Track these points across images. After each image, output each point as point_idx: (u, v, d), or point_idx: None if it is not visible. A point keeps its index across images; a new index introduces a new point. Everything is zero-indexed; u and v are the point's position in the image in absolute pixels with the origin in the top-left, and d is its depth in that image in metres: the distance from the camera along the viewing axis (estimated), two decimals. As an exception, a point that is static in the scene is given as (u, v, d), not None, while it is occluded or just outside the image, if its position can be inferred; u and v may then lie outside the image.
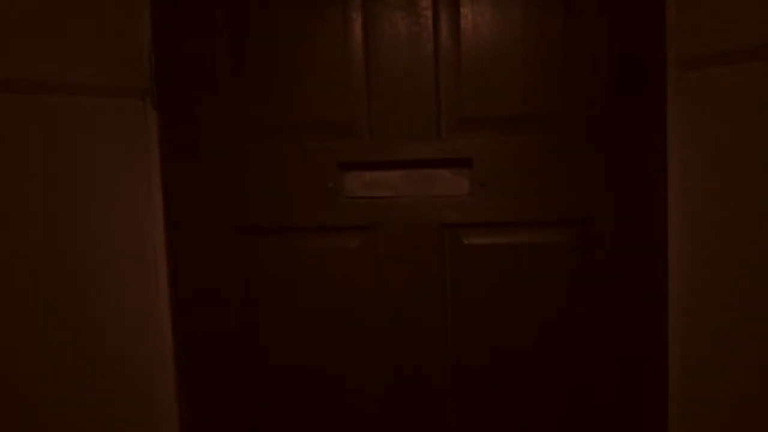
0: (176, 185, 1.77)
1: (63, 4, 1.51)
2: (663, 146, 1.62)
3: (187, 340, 1.81)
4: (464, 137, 1.69)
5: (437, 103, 1.68)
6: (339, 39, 1.70)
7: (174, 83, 1.74)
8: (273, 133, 1.74)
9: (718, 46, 1.47)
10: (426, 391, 1.76)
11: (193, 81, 1.74)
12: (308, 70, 1.71)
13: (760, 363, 1.42)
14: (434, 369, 1.75)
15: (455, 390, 1.76)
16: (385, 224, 1.73)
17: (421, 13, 1.67)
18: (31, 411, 1.47)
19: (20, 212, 1.45)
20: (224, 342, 1.80)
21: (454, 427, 1.77)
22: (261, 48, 1.72)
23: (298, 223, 1.75)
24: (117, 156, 1.66)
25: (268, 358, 1.80)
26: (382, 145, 1.70)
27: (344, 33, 1.70)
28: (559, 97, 1.65)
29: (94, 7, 1.59)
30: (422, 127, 1.69)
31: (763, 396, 1.42)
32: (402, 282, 1.74)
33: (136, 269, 1.72)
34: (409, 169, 1.72)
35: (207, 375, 1.81)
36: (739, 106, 1.43)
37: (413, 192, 1.73)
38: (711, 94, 1.50)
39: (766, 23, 1.36)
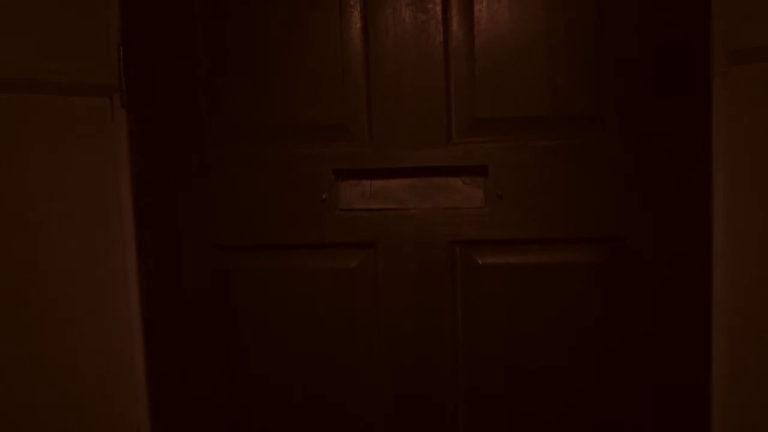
0: (148, 197, 1.56)
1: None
2: (707, 152, 1.42)
3: (162, 375, 1.60)
4: (478, 141, 1.48)
5: (447, 102, 1.48)
6: (335, 29, 1.49)
7: (146, 79, 1.53)
8: (259, 136, 1.54)
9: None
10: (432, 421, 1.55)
11: (168, 77, 1.53)
12: (300, 64, 1.51)
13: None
14: (444, 398, 1.55)
15: (467, 421, 1.56)
16: (386, 241, 1.52)
17: (429, -1, 1.46)
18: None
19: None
20: (205, 374, 1.59)
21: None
22: (246, 39, 1.51)
23: (288, 240, 1.54)
24: (79, 165, 1.44)
25: (255, 389, 1.59)
26: (383, 151, 1.50)
27: (341, 22, 1.49)
28: (589, 96, 1.45)
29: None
30: (430, 130, 1.48)
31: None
32: (406, 307, 1.54)
33: (101, 293, 1.51)
34: (414, 177, 1.52)
35: (186, 410, 1.60)
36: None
37: (419, 204, 1.52)
38: (766, 91, 1.31)
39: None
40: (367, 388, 1.56)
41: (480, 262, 1.51)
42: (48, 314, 1.37)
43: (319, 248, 1.54)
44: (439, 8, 1.46)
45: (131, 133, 1.54)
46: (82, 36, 1.45)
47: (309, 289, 1.55)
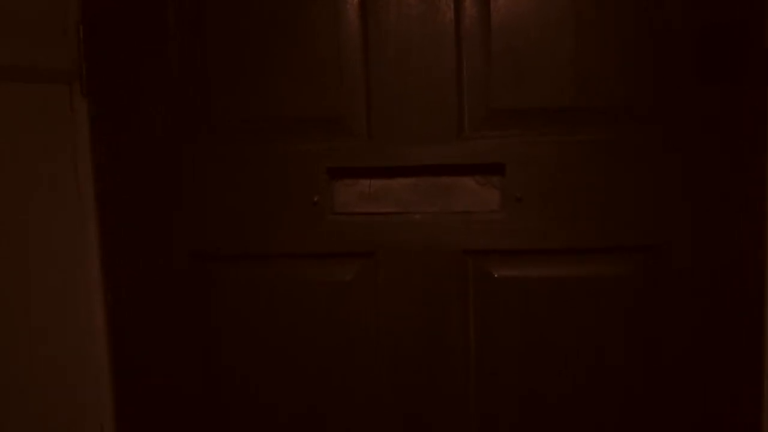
0: (114, 199, 1.37)
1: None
2: (763, 149, 1.22)
3: (131, 401, 1.40)
4: (494, 135, 1.28)
5: (459, 90, 1.28)
6: (329, 7, 1.29)
7: (111, 64, 1.33)
8: (240, 131, 1.34)
9: None
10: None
11: (136, 61, 1.33)
12: (288, 47, 1.31)
13: None
14: (453, 427, 1.36)
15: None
16: (387, 250, 1.33)
17: (438, -29, 1.27)
18: None
19: None
20: (182, 398, 1.40)
21: None
22: (227, 17, 1.32)
23: (274, 248, 1.35)
24: (32, 162, 1.24)
25: (237, 414, 1.40)
26: (384, 146, 1.30)
27: (336, -2, 1.30)
28: (624, 84, 1.25)
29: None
30: (438, 122, 1.29)
31: None
32: (411, 326, 1.34)
33: (61, 305, 1.31)
34: (420, 177, 1.32)
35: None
36: None
37: (426, 208, 1.33)
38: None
39: None
40: (366, 416, 1.37)
41: (495, 275, 1.32)
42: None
43: (309, 258, 1.35)
44: (449, -18, 1.26)
45: (93, 125, 1.34)
46: (35, 13, 1.24)
47: (299, 305, 1.36)
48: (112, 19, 1.32)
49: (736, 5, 1.20)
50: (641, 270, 1.28)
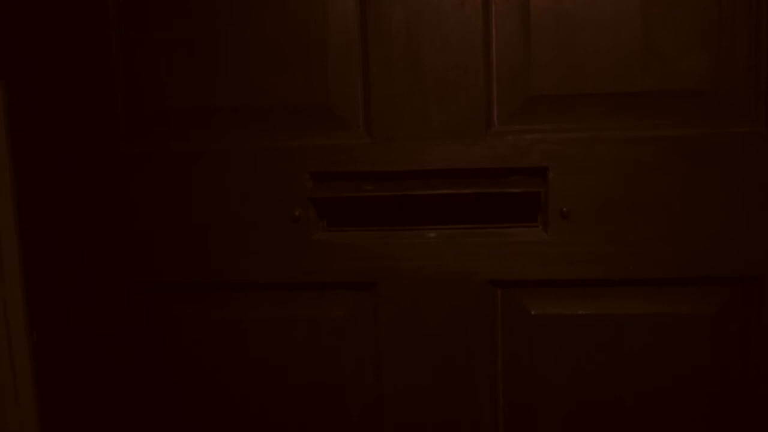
0: (38, 215, 1.06)
1: None
2: None
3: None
4: (534, 130, 0.98)
5: (487, 71, 0.98)
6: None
7: (30, 37, 1.02)
8: (200, 123, 1.03)
9: None
10: None
11: (64, 32, 1.02)
12: (265, 19, 0.99)
13: None
14: None
15: None
16: (392, 280, 1.02)
17: None
18: None
19: None
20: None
21: None
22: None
23: (240, 276, 1.04)
24: None
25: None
26: (386, 144, 0.99)
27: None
28: (711, 62, 0.93)
29: None
30: (459, 113, 0.98)
31: None
32: (422, 377, 1.04)
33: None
34: (434, 183, 1.00)
35: None
36: None
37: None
38: None
39: None
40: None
41: (533, 313, 1.02)
42: None
43: (289, 289, 1.04)
44: (474, -75, 0.95)
45: (9, 115, 1.04)
46: None
47: (274, 350, 1.06)
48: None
49: None
50: (732, 305, 0.98)
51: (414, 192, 0.98)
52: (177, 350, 1.06)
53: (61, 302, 1.07)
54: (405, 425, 1.04)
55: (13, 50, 1.02)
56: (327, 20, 0.98)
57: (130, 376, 1.07)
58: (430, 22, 0.96)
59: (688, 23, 0.93)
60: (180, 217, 1.02)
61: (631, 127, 0.95)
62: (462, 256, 1.00)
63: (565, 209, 0.97)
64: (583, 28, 0.94)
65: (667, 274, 0.97)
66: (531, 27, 0.95)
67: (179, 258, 1.03)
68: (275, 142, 1.00)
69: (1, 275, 1.06)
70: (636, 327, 0.99)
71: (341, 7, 0.98)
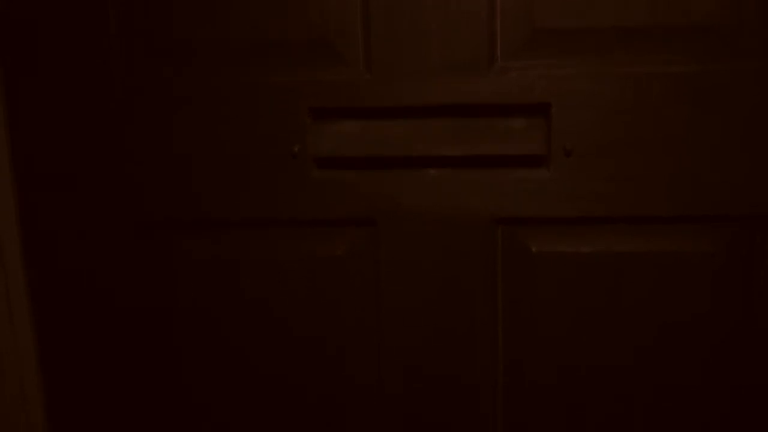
0: (34, 155, 1.03)
1: None
2: None
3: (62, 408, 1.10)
4: (538, 65, 0.95)
5: (490, 5, 0.94)
6: None
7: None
8: (197, 58, 0.99)
9: None
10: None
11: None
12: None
13: None
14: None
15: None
16: (392, 217, 1.01)
17: None
18: None
19: None
20: (124, 411, 1.09)
21: None
22: None
23: (240, 213, 1.02)
24: None
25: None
26: (387, 79, 0.96)
27: None
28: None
29: None
30: (461, 47, 0.95)
31: None
32: (423, 316, 1.03)
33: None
34: (436, 120, 0.97)
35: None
36: None
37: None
38: None
39: None
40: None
41: (534, 250, 1.00)
42: None
43: (287, 227, 1.03)
44: None
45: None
46: None
47: (273, 287, 1.05)
48: None
49: None
50: (738, 244, 0.97)
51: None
52: (171, 289, 1.05)
53: (55, 241, 1.05)
54: (406, 355, 1.04)
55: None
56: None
57: (122, 320, 1.06)
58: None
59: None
60: (175, 153, 1.00)
61: (638, 62, 0.92)
62: (463, 194, 0.98)
63: (568, 146, 0.95)
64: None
65: (670, 212, 0.95)
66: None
67: (174, 195, 1.01)
68: (274, 77, 0.97)
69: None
70: (638, 265, 0.98)
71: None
